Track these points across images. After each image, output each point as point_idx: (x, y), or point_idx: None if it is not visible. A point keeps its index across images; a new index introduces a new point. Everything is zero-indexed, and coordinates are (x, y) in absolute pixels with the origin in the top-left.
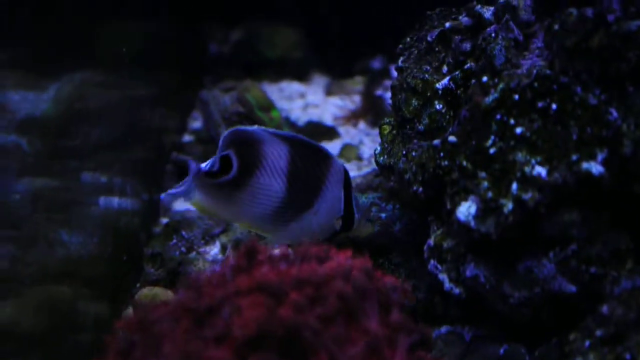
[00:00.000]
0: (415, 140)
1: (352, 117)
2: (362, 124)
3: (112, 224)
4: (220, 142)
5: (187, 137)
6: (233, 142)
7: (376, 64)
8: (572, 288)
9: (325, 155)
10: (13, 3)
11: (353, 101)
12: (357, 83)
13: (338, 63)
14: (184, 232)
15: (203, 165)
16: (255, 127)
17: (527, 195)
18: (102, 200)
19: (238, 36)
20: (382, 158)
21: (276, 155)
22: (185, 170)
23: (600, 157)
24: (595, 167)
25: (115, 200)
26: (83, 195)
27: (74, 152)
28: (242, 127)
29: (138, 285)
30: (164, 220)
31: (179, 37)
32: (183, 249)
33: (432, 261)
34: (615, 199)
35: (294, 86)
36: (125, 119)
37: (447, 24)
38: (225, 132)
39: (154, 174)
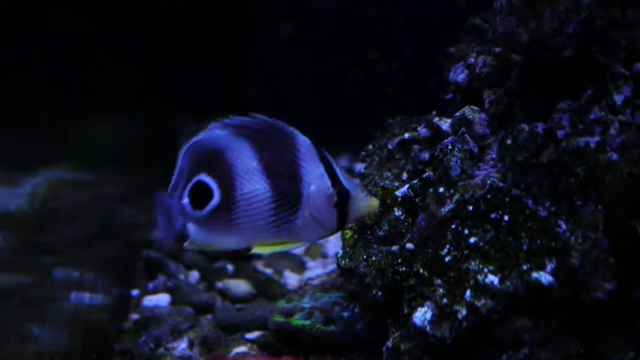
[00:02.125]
0: (375, 246)
1: None
2: None
3: (83, 320)
4: (182, 164)
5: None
6: (199, 164)
7: (342, 162)
8: None
9: (287, 135)
10: None
11: None
12: None
13: None
14: (152, 329)
15: (181, 200)
16: (205, 133)
17: (480, 303)
18: (74, 296)
19: None
20: (344, 262)
21: (244, 157)
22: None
23: (549, 267)
24: (544, 277)
25: (87, 296)
26: (55, 291)
27: (48, 248)
28: (196, 140)
29: None
30: (134, 316)
31: (150, 133)
32: (152, 345)
33: None
34: (565, 306)
35: None
36: (97, 216)
37: (407, 135)
38: (182, 152)
39: (125, 270)
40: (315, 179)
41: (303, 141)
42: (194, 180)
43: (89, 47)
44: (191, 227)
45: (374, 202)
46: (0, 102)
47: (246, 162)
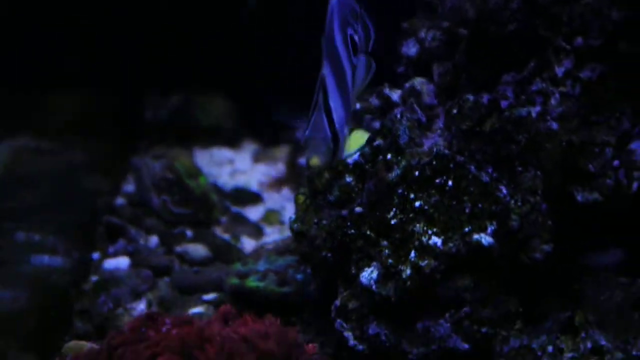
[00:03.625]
0: (326, 210)
1: (277, 184)
2: (285, 190)
3: (43, 281)
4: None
5: (120, 200)
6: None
7: (300, 133)
8: (465, 346)
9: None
10: None
11: (278, 168)
12: (283, 152)
13: (266, 132)
14: (112, 289)
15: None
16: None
17: (423, 263)
18: (34, 258)
19: (174, 103)
20: (295, 225)
21: None
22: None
23: (490, 229)
24: (485, 239)
25: (47, 258)
26: (16, 254)
27: (10, 213)
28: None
29: (67, 338)
30: (94, 278)
31: (114, 104)
32: (111, 305)
33: (338, 320)
34: (505, 266)
35: (224, 152)
36: (59, 183)
37: (358, 105)
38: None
39: (86, 234)
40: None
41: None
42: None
43: (55, 20)
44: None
45: None
46: None
47: None
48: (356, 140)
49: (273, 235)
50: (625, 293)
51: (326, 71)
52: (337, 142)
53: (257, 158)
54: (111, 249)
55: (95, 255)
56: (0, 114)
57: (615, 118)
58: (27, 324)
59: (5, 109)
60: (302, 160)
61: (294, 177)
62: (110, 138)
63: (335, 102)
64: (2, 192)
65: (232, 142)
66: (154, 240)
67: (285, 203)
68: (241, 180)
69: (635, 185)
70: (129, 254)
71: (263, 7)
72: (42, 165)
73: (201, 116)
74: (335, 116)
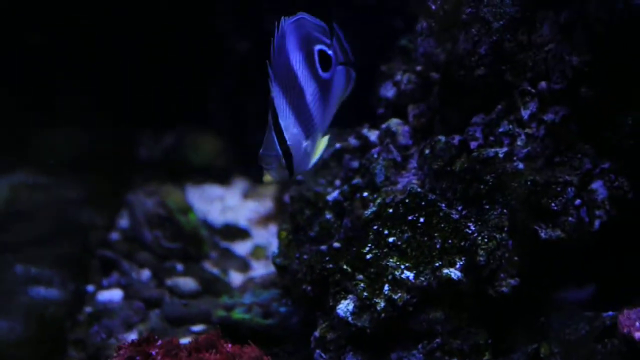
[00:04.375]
0: (307, 245)
1: (264, 220)
2: (272, 226)
3: (39, 312)
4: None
5: (114, 235)
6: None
7: None
8: None
9: None
10: None
11: (266, 205)
12: (271, 188)
13: (256, 169)
14: (105, 320)
15: None
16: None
17: (397, 296)
18: (31, 290)
19: (168, 142)
20: (278, 260)
21: None
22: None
23: (459, 264)
24: (454, 273)
25: (43, 291)
26: (14, 286)
27: (8, 246)
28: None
29: None
30: (88, 309)
31: (109, 141)
32: (104, 335)
33: (317, 350)
34: (474, 299)
35: (215, 189)
36: (55, 217)
37: (338, 145)
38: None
39: (81, 268)
40: None
41: None
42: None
43: (51, 59)
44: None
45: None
46: None
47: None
48: (320, 146)
49: (260, 269)
50: (590, 326)
51: (275, 93)
52: (288, 158)
53: (246, 195)
54: (105, 282)
55: (90, 287)
56: None
57: (578, 158)
58: (24, 353)
59: (3, 143)
60: (287, 198)
61: (281, 213)
62: (105, 174)
63: (286, 121)
64: (2, 225)
65: (223, 179)
66: (146, 273)
67: (272, 239)
68: (231, 217)
69: (597, 223)
70: (122, 287)
71: (254, 51)
72: (39, 200)
73: (193, 155)
74: (287, 134)
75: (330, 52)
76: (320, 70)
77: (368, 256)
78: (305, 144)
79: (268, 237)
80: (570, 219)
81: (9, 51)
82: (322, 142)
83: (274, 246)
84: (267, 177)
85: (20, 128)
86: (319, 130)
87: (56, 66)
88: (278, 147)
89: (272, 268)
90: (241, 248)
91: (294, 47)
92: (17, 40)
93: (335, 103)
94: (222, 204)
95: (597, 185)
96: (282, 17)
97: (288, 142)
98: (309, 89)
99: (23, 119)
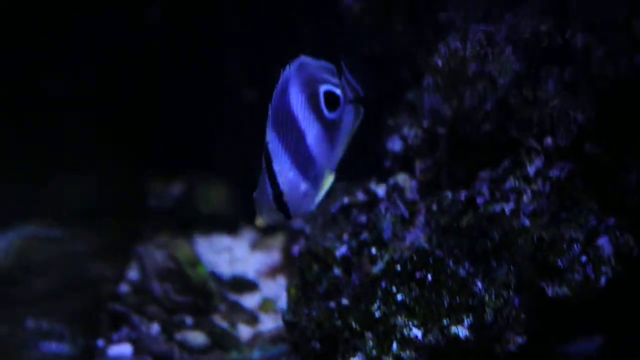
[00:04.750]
0: (315, 301)
1: (272, 272)
2: (281, 279)
3: None
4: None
5: (124, 287)
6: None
7: (295, 222)
8: None
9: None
10: None
11: (274, 256)
12: (279, 240)
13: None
14: None
15: None
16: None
17: (405, 354)
18: (43, 344)
19: (176, 191)
20: (287, 316)
21: None
22: None
23: (466, 322)
24: (462, 331)
25: (54, 345)
26: (25, 340)
27: (20, 300)
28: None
29: None
30: None
31: (118, 191)
32: None
33: None
34: (481, 358)
35: (224, 240)
36: (66, 271)
37: (346, 200)
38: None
39: (91, 322)
40: None
41: None
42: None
43: (60, 106)
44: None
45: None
46: None
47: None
48: (324, 185)
49: (268, 323)
50: None
51: (270, 138)
52: (281, 202)
53: (254, 246)
54: (115, 336)
55: (100, 342)
56: (9, 200)
57: (583, 215)
58: None
59: (14, 194)
60: (296, 250)
61: (289, 265)
62: (114, 225)
63: (281, 165)
64: (14, 279)
65: (231, 229)
66: (155, 327)
67: (280, 291)
68: (239, 268)
69: (603, 279)
70: (132, 341)
71: (262, 100)
72: (50, 253)
73: (202, 205)
74: (280, 178)
75: (337, 91)
76: (325, 111)
77: (377, 314)
78: (304, 187)
79: (276, 289)
80: (576, 275)
81: (24, 97)
82: (328, 180)
83: (282, 299)
84: (259, 221)
85: (32, 176)
86: (325, 169)
87: (68, 112)
88: (269, 192)
89: (280, 322)
90: (250, 301)
91: (295, 90)
92: (32, 86)
93: (344, 141)
94: (231, 255)
95: (602, 241)
96: (287, 64)
97: (281, 187)
98: (312, 131)
99: (35, 167)
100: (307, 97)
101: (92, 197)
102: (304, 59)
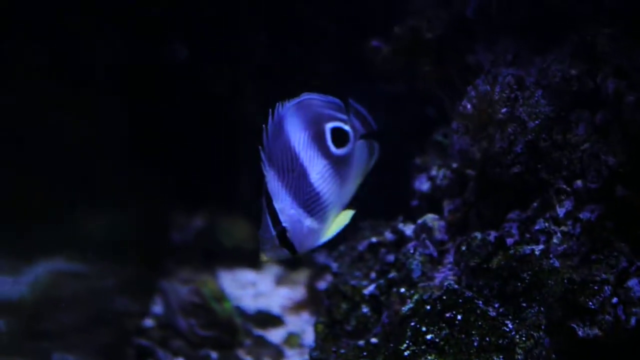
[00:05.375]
0: (344, 339)
1: (297, 307)
2: (305, 314)
3: None
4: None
5: (148, 322)
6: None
7: (320, 258)
8: None
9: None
10: None
11: (299, 292)
12: (304, 275)
13: None
14: None
15: None
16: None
17: None
18: None
19: (199, 225)
20: (315, 353)
21: None
22: None
23: None
24: None
25: None
26: None
27: (46, 334)
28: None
29: None
30: None
31: (142, 226)
32: None
33: None
34: None
35: (247, 274)
36: (91, 305)
37: (374, 239)
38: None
39: (117, 357)
40: None
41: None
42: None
43: (86, 142)
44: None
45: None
46: (2, 196)
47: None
48: (339, 222)
49: (293, 358)
50: None
51: (269, 177)
52: (284, 239)
53: (279, 281)
54: None
55: None
56: (37, 236)
57: (614, 257)
58: None
59: (39, 229)
60: (321, 285)
61: (313, 300)
62: (138, 259)
63: (282, 203)
64: (40, 313)
65: (255, 263)
66: None
67: (305, 326)
68: (263, 303)
69: (633, 320)
70: None
71: None
72: (76, 288)
73: (224, 238)
74: (282, 217)
75: (346, 127)
76: (332, 147)
77: (406, 353)
78: (308, 223)
79: (301, 324)
80: (607, 317)
81: (48, 137)
82: (342, 218)
83: (307, 334)
84: (263, 257)
85: (57, 210)
86: (334, 205)
87: (97, 149)
88: (272, 230)
89: (306, 356)
90: (275, 336)
91: (296, 128)
92: (57, 129)
93: (355, 178)
94: (255, 289)
95: (633, 283)
96: (278, 103)
97: (283, 224)
98: (316, 168)
99: (64, 202)
100: (310, 134)
101: (116, 231)
102: (308, 95)
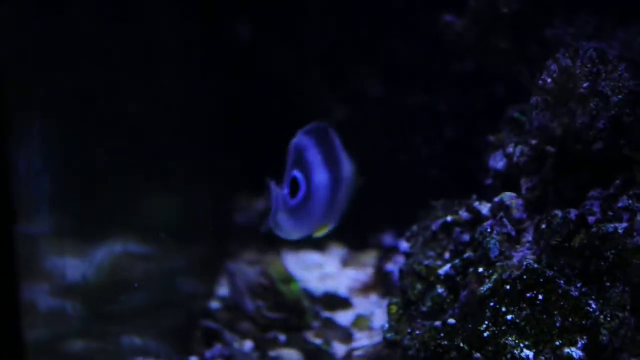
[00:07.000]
0: (419, 320)
1: (365, 289)
2: (373, 296)
3: None
4: (289, 158)
5: (214, 304)
6: (295, 162)
7: (387, 239)
8: None
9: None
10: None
11: (366, 273)
12: (371, 256)
13: (353, 236)
14: None
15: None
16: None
17: None
18: None
19: (262, 207)
20: (389, 334)
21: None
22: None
23: (580, 343)
24: (575, 352)
25: None
26: (121, 357)
27: (114, 316)
28: (297, 143)
29: None
30: None
31: (209, 209)
32: None
33: None
34: None
35: (313, 256)
36: (159, 287)
37: (449, 218)
38: (290, 150)
39: (184, 339)
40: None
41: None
42: (290, 176)
43: (153, 127)
44: (282, 217)
45: None
46: (72, 177)
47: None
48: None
49: (362, 340)
50: None
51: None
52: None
53: (345, 262)
54: (208, 354)
55: (193, 359)
56: (104, 218)
57: None
58: None
59: (104, 210)
60: (389, 267)
61: (382, 282)
62: (204, 241)
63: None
64: (108, 296)
65: (320, 246)
66: (248, 344)
67: (373, 308)
68: (330, 285)
69: None
70: (225, 358)
71: (351, 117)
72: (142, 269)
73: None
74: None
75: (298, 175)
76: (288, 198)
77: (485, 334)
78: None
79: (369, 306)
80: None
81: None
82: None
83: (376, 316)
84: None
85: (124, 193)
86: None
87: (162, 133)
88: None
89: (375, 339)
90: (343, 318)
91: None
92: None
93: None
94: (321, 271)
95: None
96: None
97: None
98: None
99: (129, 185)
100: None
101: (185, 212)
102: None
